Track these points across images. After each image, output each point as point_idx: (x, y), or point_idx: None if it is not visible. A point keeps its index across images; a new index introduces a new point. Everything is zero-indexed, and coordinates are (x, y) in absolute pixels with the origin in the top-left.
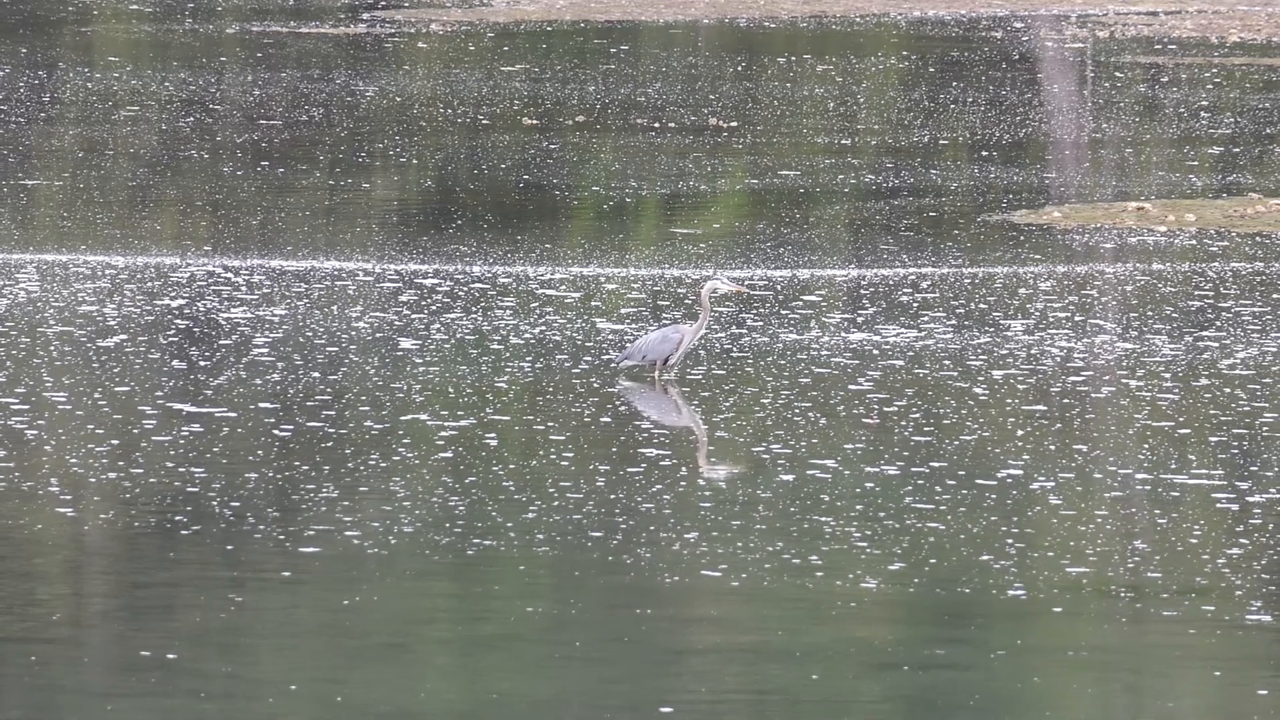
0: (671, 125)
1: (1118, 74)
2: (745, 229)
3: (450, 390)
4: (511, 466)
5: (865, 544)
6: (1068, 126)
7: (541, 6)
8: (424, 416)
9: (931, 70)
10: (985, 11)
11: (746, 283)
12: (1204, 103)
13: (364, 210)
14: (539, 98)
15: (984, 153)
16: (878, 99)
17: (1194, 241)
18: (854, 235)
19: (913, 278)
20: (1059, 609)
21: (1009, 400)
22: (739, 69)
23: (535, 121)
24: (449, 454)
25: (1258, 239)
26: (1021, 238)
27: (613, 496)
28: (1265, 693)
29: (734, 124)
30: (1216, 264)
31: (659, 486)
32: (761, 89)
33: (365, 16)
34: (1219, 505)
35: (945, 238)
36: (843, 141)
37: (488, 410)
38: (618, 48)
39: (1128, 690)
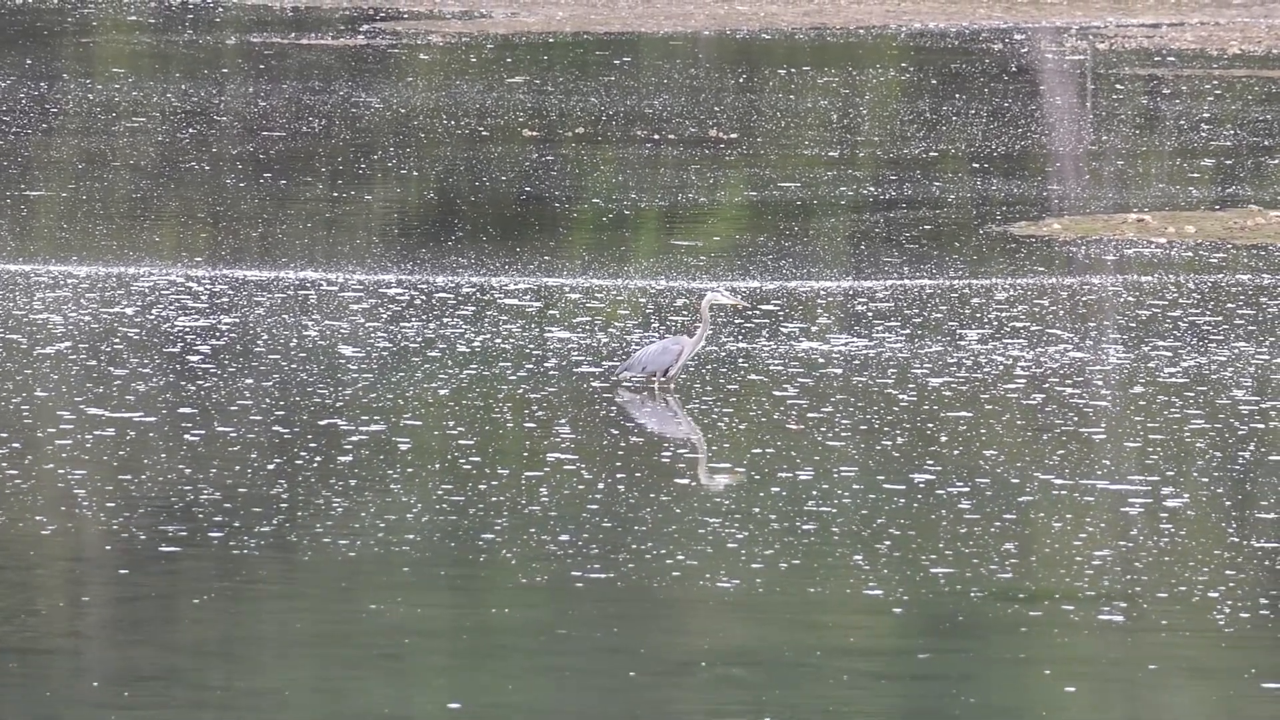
0: (672, 137)
1: (1118, 86)
2: (745, 241)
3: (449, 400)
4: (508, 476)
5: (860, 553)
6: (1068, 138)
7: (541, 18)
8: (422, 426)
9: (933, 82)
10: (985, 24)
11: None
12: (1204, 115)
13: (364, 222)
14: (540, 109)
15: (984, 164)
16: (878, 111)
17: (1190, 253)
18: (854, 247)
19: (909, 289)
20: (1053, 617)
21: (1006, 410)
22: (739, 81)
23: (536, 133)
24: (446, 463)
25: (1256, 250)
26: (1020, 250)
27: (611, 507)
28: (1260, 702)
29: (734, 135)
30: (1204, 276)
31: (656, 496)
32: (762, 101)
33: (364, 28)
34: (1208, 517)
35: (944, 250)
36: (843, 153)
37: (485, 420)
38: (620, 59)
39: (1123, 700)
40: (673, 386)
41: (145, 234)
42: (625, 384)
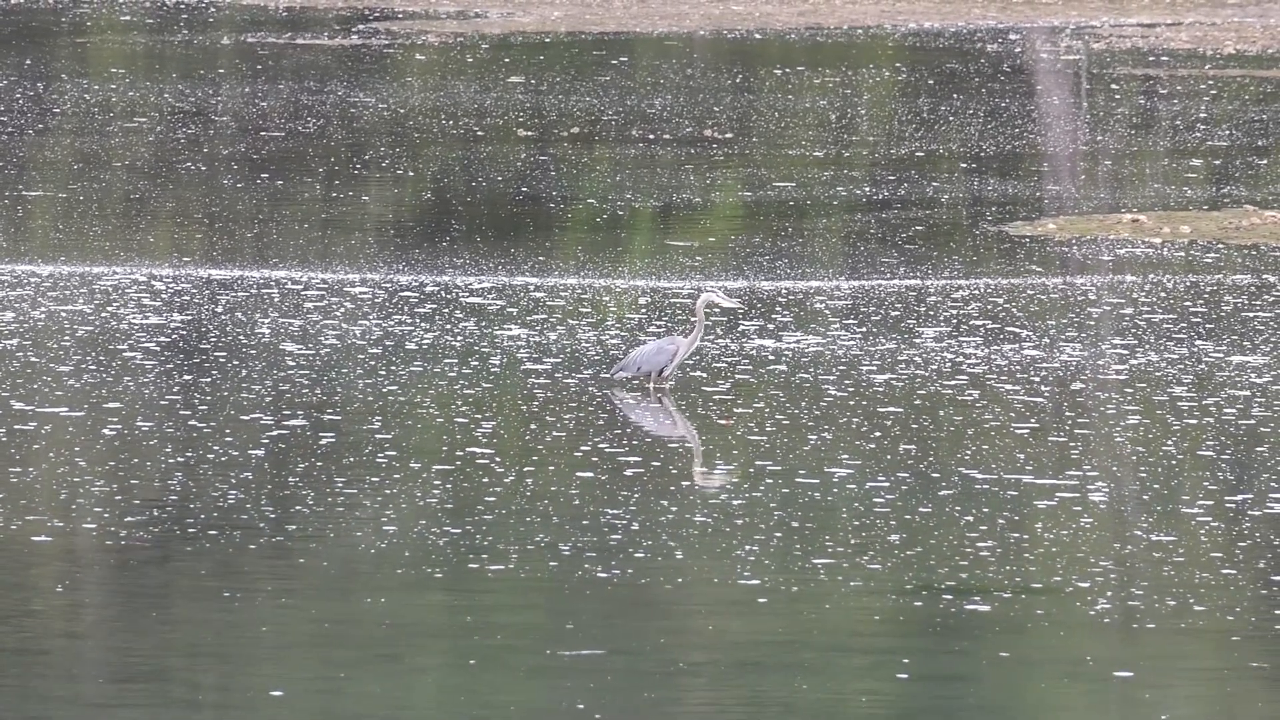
0: (667, 137)
1: (1113, 86)
2: (740, 241)
3: (446, 400)
4: (504, 476)
5: (858, 552)
6: (1063, 138)
7: (536, 18)
8: (420, 425)
9: (928, 82)
10: (980, 23)
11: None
12: (1199, 115)
13: (360, 223)
14: (536, 109)
15: (980, 164)
16: (873, 111)
17: (1183, 253)
18: (849, 247)
19: (910, 289)
20: (1051, 617)
21: (1009, 409)
22: (735, 81)
23: (531, 133)
24: (443, 463)
25: (1249, 251)
26: (1015, 250)
27: (606, 506)
28: (1261, 704)
29: (729, 135)
30: (1190, 276)
31: (653, 495)
32: (758, 101)
33: (358, 28)
34: (1205, 515)
35: (939, 249)
36: (838, 153)
37: (481, 420)
38: (618, 59)
39: (1122, 700)
40: (668, 387)
41: (140, 234)
42: (620, 384)
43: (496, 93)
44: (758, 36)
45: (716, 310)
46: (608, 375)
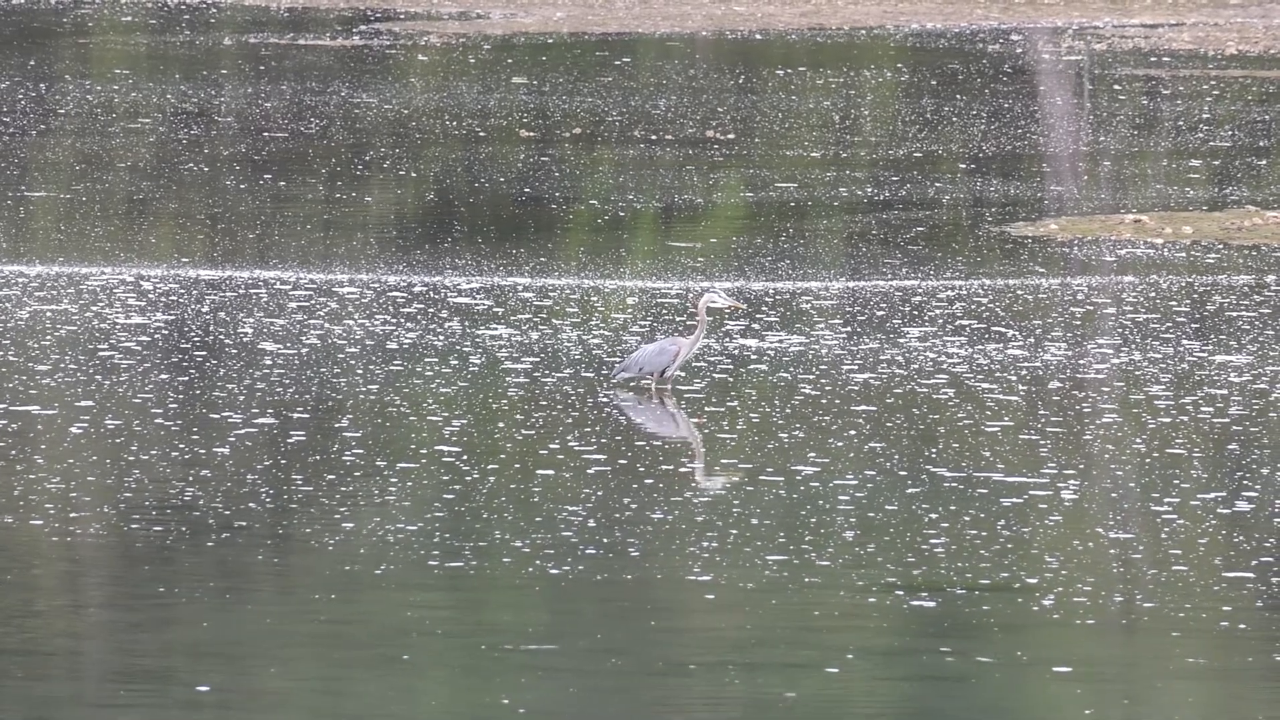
0: (669, 138)
1: (1115, 87)
2: (742, 242)
3: (446, 401)
4: (506, 477)
5: (860, 552)
6: (1065, 139)
7: (538, 19)
8: (418, 426)
9: (932, 83)
10: (983, 24)
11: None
12: (1201, 115)
13: (362, 224)
14: (539, 110)
15: (982, 165)
16: (875, 112)
17: (1184, 254)
18: (850, 248)
19: (900, 290)
20: (1052, 618)
21: (1007, 409)
22: (737, 82)
23: (533, 134)
24: (446, 463)
25: (1250, 251)
26: (1017, 250)
27: (609, 507)
28: (1262, 705)
29: (731, 136)
30: (1185, 277)
31: (655, 496)
32: (760, 101)
33: (360, 29)
34: (1205, 515)
35: (941, 250)
36: (840, 154)
37: (483, 421)
38: (620, 60)
39: (1124, 700)
40: (669, 388)
41: (142, 235)
42: (621, 384)
43: (499, 93)
44: (760, 37)
45: (747, 312)
46: (609, 376)
